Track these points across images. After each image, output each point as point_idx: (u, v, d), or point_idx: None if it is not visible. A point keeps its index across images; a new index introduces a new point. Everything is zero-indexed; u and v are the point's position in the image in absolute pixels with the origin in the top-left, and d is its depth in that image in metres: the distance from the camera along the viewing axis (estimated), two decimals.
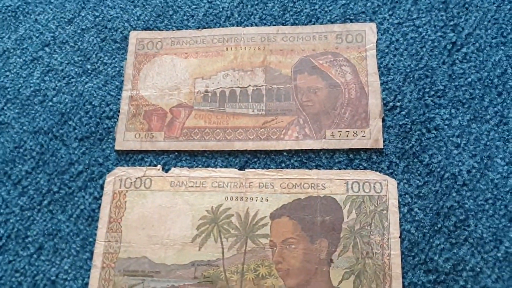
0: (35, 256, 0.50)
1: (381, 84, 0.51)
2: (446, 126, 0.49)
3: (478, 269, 0.45)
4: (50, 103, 0.55)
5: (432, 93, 0.51)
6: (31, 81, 0.56)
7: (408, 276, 0.45)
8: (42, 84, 0.56)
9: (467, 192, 0.47)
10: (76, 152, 0.53)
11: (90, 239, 0.50)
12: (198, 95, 0.53)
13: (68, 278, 0.49)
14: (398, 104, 0.51)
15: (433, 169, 0.48)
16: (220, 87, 0.53)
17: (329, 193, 0.48)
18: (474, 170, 0.48)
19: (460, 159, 0.48)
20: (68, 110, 0.55)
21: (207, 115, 0.52)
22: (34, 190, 0.52)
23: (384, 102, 0.51)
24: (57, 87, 0.56)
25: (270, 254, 0.47)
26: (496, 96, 0.50)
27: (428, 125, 0.50)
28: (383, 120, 0.50)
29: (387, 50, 0.52)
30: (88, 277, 0.48)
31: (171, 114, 0.53)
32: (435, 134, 0.49)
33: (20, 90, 0.56)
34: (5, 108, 0.55)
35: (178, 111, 0.53)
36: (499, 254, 0.45)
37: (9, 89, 0.56)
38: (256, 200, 0.49)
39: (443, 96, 0.51)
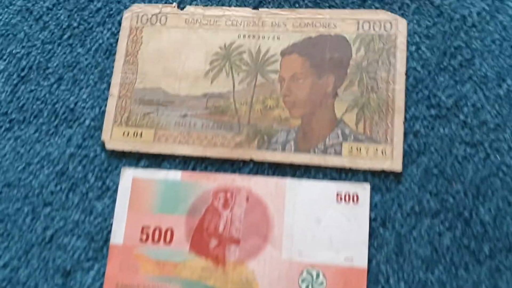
0: (55, 86, 0.55)
1: None
2: None
3: (479, 105, 0.49)
4: None
5: None
6: None
7: (411, 110, 0.50)
8: None
9: (475, 33, 0.51)
10: None
11: (108, 71, 0.55)
12: None
13: (86, 107, 0.54)
14: None
15: (443, 11, 0.52)
16: None
17: (339, 32, 0.52)
18: (484, 12, 0.51)
19: (472, 1, 0.51)
20: None
21: None
22: (54, 25, 0.57)
23: None
24: None
25: (279, 88, 0.52)
26: None
27: None
28: None
29: None
30: (105, 106, 0.54)
31: None
32: None
33: None
34: None
35: None
36: (501, 92, 0.49)
37: None
38: (268, 39, 0.53)
39: None
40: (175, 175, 0.51)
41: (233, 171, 0.51)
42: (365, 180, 0.49)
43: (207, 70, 0.53)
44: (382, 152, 0.49)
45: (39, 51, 0.56)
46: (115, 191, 0.52)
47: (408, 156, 0.49)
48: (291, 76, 0.52)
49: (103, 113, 0.54)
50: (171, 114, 0.52)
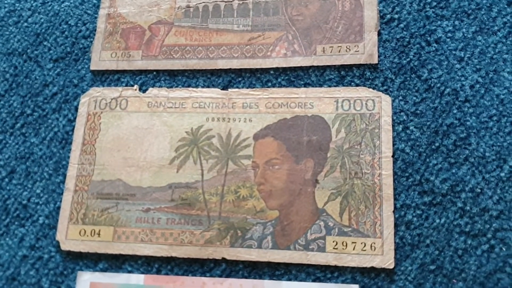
0: (6, 180, 0.52)
1: None
2: (448, 39, 0.49)
3: (479, 190, 0.45)
4: (25, 24, 0.57)
5: (434, 4, 0.51)
6: (6, 1, 0.58)
7: (401, 197, 0.45)
8: (17, 5, 0.57)
9: (470, 108, 0.47)
10: (50, 73, 0.54)
11: (63, 162, 0.51)
12: (179, 11, 0.54)
13: (40, 202, 0.50)
14: (396, 16, 0.50)
15: (432, 85, 0.48)
16: (203, 2, 0.54)
17: (317, 112, 0.49)
18: (478, 85, 0.47)
19: (463, 73, 0.48)
20: (43, 30, 0.56)
21: (188, 32, 0.53)
22: (6, 113, 0.54)
23: (381, 14, 0.51)
24: (32, 7, 0.57)
25: (252, 176, 0.48)
26: (506, 6, 0.49)
27: (429, 38, 0.49)
28: (379, 33, 0.50)
29: None
30: (61, 201, 0.50)
31: (150, 31, 0.54)
32: (436, 48, 0.49)
33: None
34: None
35: (157, 28, 0.54)
36: (502, 174, 0.45)
37: None
38: (239, 121, 0.49)
39: (446, 7, 0.50)
40: (137, 279, 0.47)
41: (203, 273, 0.46)
42: (353, 279, 0.44)
43: (173, 157, 0.49)
44: (371, 247, 0.44)
45: None
46: None
47: (400, 250, 0.44)
48: (265, 162, 0.48)
49: (58, 209, 0.50)
50: (132, 209, 0.48)
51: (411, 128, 0.47)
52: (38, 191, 0.51)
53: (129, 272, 0.47)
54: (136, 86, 0.52)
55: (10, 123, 0.53)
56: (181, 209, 0.48)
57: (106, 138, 0.51)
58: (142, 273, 0.47)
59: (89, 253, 0.48)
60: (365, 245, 0.45)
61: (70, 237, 0.49)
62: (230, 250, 0.46)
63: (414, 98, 0.48)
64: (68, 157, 0.51)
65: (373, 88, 0.49)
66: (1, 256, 0.50)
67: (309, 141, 0.48)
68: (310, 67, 0.50)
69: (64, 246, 0.49)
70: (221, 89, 0.51)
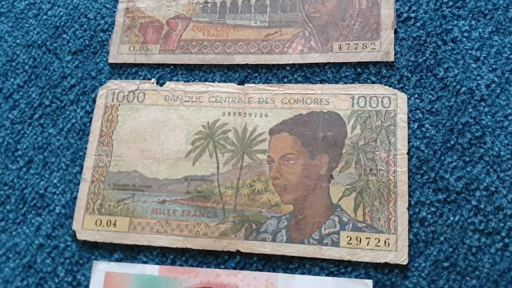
0: (24, 169, 0.52)
1: None
2: (464, 39, 0.49)
3: (493, 188, 0.44)
4: (45, 17, 0.57)
5: (451, 3, 0.50)
6: None
7: (416, 194, 0.45)
8: None
9: (485, 107, 0.47)
10: (69, 65, 0.54)
11: (81, 153, 0.51)
12: (197, 6, 0.54)
13: (57, 192, 0.50)
14: (413, 15, 0.50)
15: (448, 83, 0.48)
16: None
17: (332, 108, 0.48)
18: (493, 85, 0.47)
19: (479, 73, 0.48)
20: (62, 23, 0.56)
21: (205, 27, 0.53)
22: (25, 103, 0.54)
23: (398, 13, 0.50)
24: (52, 1, 0.57)
25: (267, 170, 0.47)
26: None
27: (445, 37, 0.49)
28: (396, 32, 0.50)
29: None
30: (77, 191, 0.50)
31: (168, 26, 0.53)
32: (452, 47, 0.49)
33: (14, 3, 0.58)
34: None
35: (175, 23, 0.53)
36: None
37: (2, 2, 0.58)
38: (255, 116, 0.49)
39: (463, 7, 0.50)
40: (152, 269, 0.47)
41: (217, 265, 0.46)
42: (367, 274, 0.44)
43: (189, 150, 0.49)
44: (385, 243, 0.44)
45: (7, 131, 0.53)
46: (87, 287, 0.47)
47: (414, 247, 0.44)
48: (281, 157, 0.47)
49: (74, 199, 0.49)
50: (148, 200, 0.48)
51: (426, 126, 0.47)
52: (55, 181, 0.51)
53: (144, 262, 0.47)
54: (153, 80, 0.52)
55: (29, 113, 0.53)
56: (197, 201, 0.48)
57: (123, 130, 0.51)
58: (157, 264, 0.47)
59: (104, 243, 0.48)
60: (379, 241, 0.44)
61: (86, 227, 0.48)
62: (245, 243, 0.46)
63: (430, 96, 0.48)
64: (85, 148, 0.51)
65: (389, 86, 0.48)
66: (17, 244, 0.49)
67: (324, 137, 0.48)
68: (327, 63, 0.50)
69: (80, 236, 0.48)
70: (238, 84, 0.51)
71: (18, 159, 0.52)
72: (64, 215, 0.50)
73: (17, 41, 0.56)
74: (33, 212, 0.50)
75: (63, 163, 0.51)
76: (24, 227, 0.50)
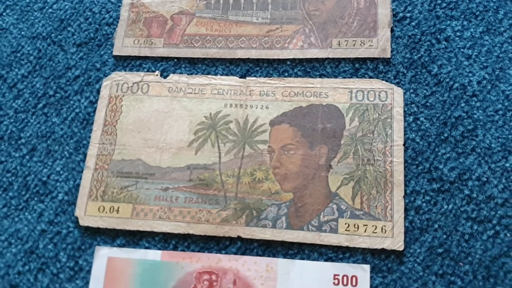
0: (27, 157, 0.52)
1: None
2: (457, 38, 0.51)
3: (485, 179, 0.46)
4: (50, 10, 0.57)
5: (444, 4, 0.52)
6: None
7: (411, 184, 0.46)
8: None
9: (477, 102, 0.48)
10: (73, 57, 0.55)
11: (84, 142, 0.52)
12: (201, 2, 0.55)
13: (60, 179, 0.51)
14: (408, 15, 0.52)
15: (441, 80, 0.49)
16: None
17: (331, 101, 0.50)
18: (484, 81, 0.49)
19: (471, 70, 0.49)
20: (67, 16, 0.57)
21: (209, 22, 0.54)
22: (29, 93, 0.54)
23: (394, 12, 0.52)
24: None
25: (268, 159, 0.48)
26: None
27: (439, 36, 0.51)
28: (392, 30, 0.52)
29: None
30: (80, 179, 0.50)
31: (172, 21, 0.55)
32: (445, 45, 0.50)
33: None
34: (4, 14, 0.58)
35: (179, 18, 0.55)
36: (507, 165, 0.46)
37: None
38: (256, 108, 0.50)
39: (455, 8, 0.52)
40: (154, 254, 0.47)
41: (219, 251, 0.47)
42: (364, 259, 0.45)
43: (191, 140, 0.50)
44: (381, 230, 0.45)
45: (11, 120, 0.53)
46: (89, 272, 0.48)
47: (410, 234, 0.45)
48: (281, 147, 0.49)
49: (77, 186, 0.50)
50: (151, 188, 0.49)
51: (421, 119, 0.48)
52: (58, 168, 0.51)
53: (146, 248, 0.47)
54: (157, 72, 0.53)
55: (33, 103, 0.54)
56: (199, 189, 0.48)
57: (127, 120, 0.51)
58: (159, 249, 0.47)
59: (107, 229, 0.49)
60: (376, 228, 0.45)
61: (89, 213, 0.49)
62: (246, 229, 0.47)
63: (425, 91, 0.49)
64: (89, 137, 0.52)
65: (386, 81, 0.50)
66: (20, 230, 0.50)
67: (323, 129, 0.49)
68: (326, 59, 0.52)
69: (83, 222, 0.49)
70: (239, 77, 0.52)
71: (22, 147, 0.52)
72: (66, 202, 0.50)
73: (22, 33, 0.57)
74: (35, 198, 0.51)
75: (66, 151, 0.52)
76: (26, 213, 0.50)
